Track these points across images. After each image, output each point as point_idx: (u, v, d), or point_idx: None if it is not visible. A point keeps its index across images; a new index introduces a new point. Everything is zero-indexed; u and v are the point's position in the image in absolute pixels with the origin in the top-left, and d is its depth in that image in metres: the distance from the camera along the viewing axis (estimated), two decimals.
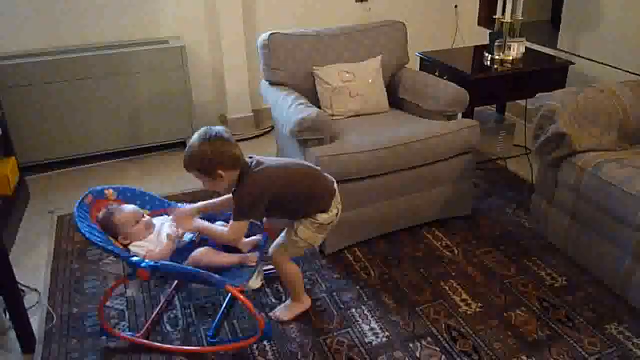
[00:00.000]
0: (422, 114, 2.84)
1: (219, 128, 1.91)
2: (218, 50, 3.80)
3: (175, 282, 2.38)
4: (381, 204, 2.59)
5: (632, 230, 2.14)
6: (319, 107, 2.81)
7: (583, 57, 3.40)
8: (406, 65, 3.14)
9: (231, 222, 1.93)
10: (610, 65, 3.21)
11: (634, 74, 3.03)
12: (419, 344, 2.07)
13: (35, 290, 2.40)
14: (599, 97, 2.48)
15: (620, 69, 3.13)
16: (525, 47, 3.38)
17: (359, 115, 2.86)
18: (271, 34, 2.87)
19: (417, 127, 2.64)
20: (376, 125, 2.72)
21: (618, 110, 2.46)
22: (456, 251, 2.61)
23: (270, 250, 2.11)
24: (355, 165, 2.42)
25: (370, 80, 2.88)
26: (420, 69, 3.46)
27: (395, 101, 3.00)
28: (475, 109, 3.14)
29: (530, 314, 2.20)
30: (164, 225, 2.09)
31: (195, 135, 1.90)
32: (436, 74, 3.19)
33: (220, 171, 1.85)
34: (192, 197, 3.09)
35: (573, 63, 3.24)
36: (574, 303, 2.26)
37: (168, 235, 2.03)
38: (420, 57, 3.45)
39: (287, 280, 2.18)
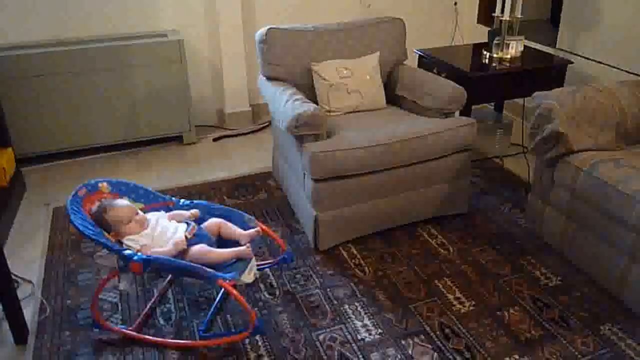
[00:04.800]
0: (420, 112, 2.83)
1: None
2: (217, 44, 3.79)
3: (169, 276, 2.38)
4: (377, 201, 2.59)
5: (627, 231, 2.14)
6: (317, 103, 2.80)
7: (582, 56, 3.39)
8: (405, 63, 3.13)
9: None
10: (609, 65, 3.21)
11: (633, 74, 3.02)
12: (411, 342, 2.06)
13: (30, 281, 2.40)
14: (597, 96, 2.47)
15: (619, 69, 3.13)
16: (524, 46, 3.37)
17: (356, 112, 2.86)
18: (269, 29, 2.86)
19: (415, 125, 2.63)
20: (373, 122, 2.71)
21: (616, 110, 2.45)
22: (451, 249, 2.60)
23: None
24: (352, 162, 2.41)
25: (368, 77, 2.87)
26: (419, 66, 3.46)
27: (393, 98, 3.00)
28: (473, 107, 3.14)
29: (524, 313, 2.20)
30: (177, 228, 2.08)
31: None
32: (435, 71, 3.19)
33: None
34: (187, 191, 3.10)
35: (572, 62, 3.23)
36: (568, 303, 2.25)
37: (181, 240, 2.01)
38: (419, 55, 3.44)
39: None
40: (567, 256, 2.49)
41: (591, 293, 2.31)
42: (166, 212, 2.22)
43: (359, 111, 2.86)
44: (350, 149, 2.41)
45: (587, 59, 3.37)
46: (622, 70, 3.11)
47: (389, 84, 3.03)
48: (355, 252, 2.59)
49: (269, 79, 2.88)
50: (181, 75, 3.50)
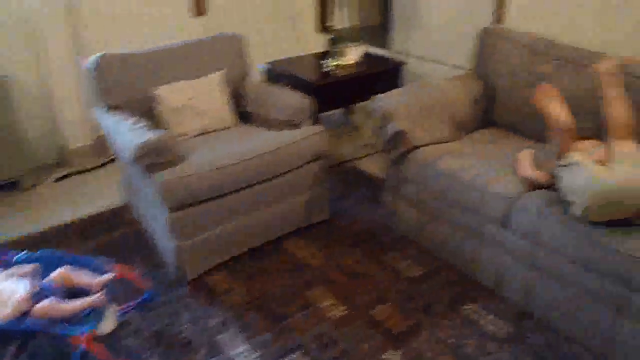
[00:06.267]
0: (270, 126, 2.83)
1: None
2: (48, 77, 3.48)
3: (13, 347, 2.11)
4: (238, 221, 2.53)
5: (471, 215, 2.31)
6: (161, 128, 2.67)
7: (415, 56, 3.63)
8: (250, 78, 3.12)
9: None
10: (437, 62, 3.46)
11: (458, 67, 3.27)
12: (290, 359, 2.04)
13: None
14: (430, 93, 2.65)
15: (446, 64, 3.38)
16: (364, 51, 3.53)
17: (205, 134, 2.78)
18: (101, 55, 2.68)
19: (266, 140, 2.62)
20: (224, 141, 2.66)
21: (447, 104, 2.64)
22: (319, 257, 2.63)
23: None
24: (205, 186, 2.33)
25: (213, 96, 2.81)
26: (266, 80, 3.46)
27: (243, 115, 2.96)
28: (323, 114, 3.21)
29: (394, 308, 2.28)
30: (17, 286, 1.84)
31: None
32: (281, 83, 3.21)
33: None
34: (30, 241, 2.79)
35: (405, 63, 3.44)
36: (431, 290, 2.38)
37: (22, 299, 1.79)
38: (265, 69, 3.45)
39: None
40: (424, 246, 2.64)
41: (450, 277, 2.45)
42: (1, 270, 1.97)
43: (208, 132, 2.78)
44: (202, 173, 2.33)
45: (420, 58, 3.61)
46: (449, 65, 3.36)
47: (237, 101, 2.99)
48: (224, 276, 2.51)
49: (107, 109, 2.70)
50: (6, 116, 3.16)
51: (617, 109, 2.04)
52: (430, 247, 2.61)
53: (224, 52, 2.99)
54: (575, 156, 2.01)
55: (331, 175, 3.35)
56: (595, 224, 1.91)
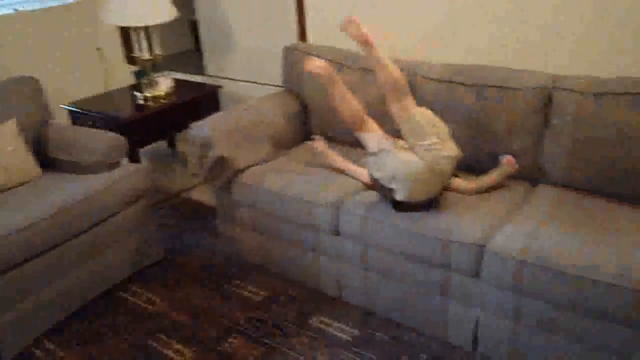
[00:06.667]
0: (83, 170, 2.60)
1: None
2: None
3: None
4: (62, 279, 2.29)
5: (304, 229, 2.34)
6: None
7: (230, 79, 3.61)
8: (53, 121, 2.84)
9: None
10: (253, 82, 3.49)
11: (274, 86, 3.32)
12: None
13: None
14: (245, 115, 2.65)
15: (262, 84, 3.42)
16: (177, 79, 3.42)
17: (5, 191, 2.46)
18: None
19: (78, 187, 2.40)
20: (28, 196, 2.38)
21: (265, 123, 2.66)
22: (158, 301, 2.47)
23: None
24: (11, 250, 2.06)
25: (10, 149, 2.51)
26: (73, 122, 3.19)
27: (49, 163, 2.69)
28: (144, 148, 3.04)
29: (244, 338, 2.22)
30: None
31: None
32: (89, 124, 2.98)
33: None
34: None
35: (221, 86, 3.41)
36: (279, 311, 2.36)
37: None
38: (69, 110, 3.17)
39: None
40: (267, 268, 2.62)
41: (295, 293, 2.46)
42: None
43: (8, 189, 2.47)
44: (5, 236, 2.06)
45: (235, 80, 3.61)
46: (263, 84, 3.40)
47: (41, 148, 2.71)
48: (52, 345, 2.24)
49: None
50: None
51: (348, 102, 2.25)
52: (272, 267, 2.59)
53: (16, 98, 2.69)
54: (379, 144, 2.13)
55: (164, 211, 3.21)
56: (404, 213, 2.04)
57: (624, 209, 2.01)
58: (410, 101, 2.09)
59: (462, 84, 2.31)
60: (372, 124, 2.28)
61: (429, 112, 2.10)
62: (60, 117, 3.10)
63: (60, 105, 3.18)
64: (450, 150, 2.04)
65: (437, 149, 1.99)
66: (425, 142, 1.99)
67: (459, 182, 2.20)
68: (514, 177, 2.26)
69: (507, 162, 2.20)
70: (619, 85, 2.03)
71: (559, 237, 1.82)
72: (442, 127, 2.07)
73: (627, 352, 1.72)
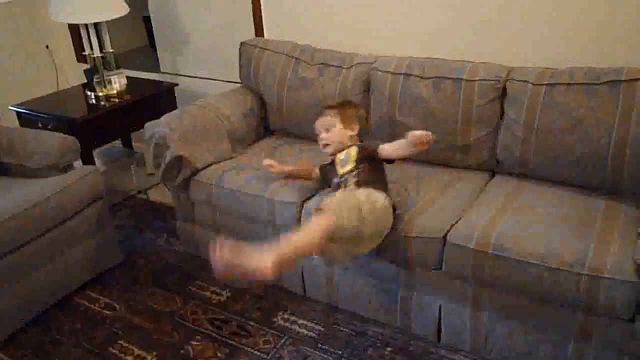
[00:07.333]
0: (34, 174, 2.50)
1: None
2: None
3: None
4: (13, 288, 2.20)
5: (266, 226, 2.31)
6: None
7: (185, 75, 3.53)
8: None
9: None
10: (209, 79, 3.42)
11: (231, 82, 3.26)
12: None
13: None
14: (203, 112, 2.59)
15: (219, 80, 3.36)
16: (131, 77, 3.33)
17: None
18: None
19: (30, 191, 2.31)
20: None
21: (222, 120, 2.61)
22: (118, 306, 2.41)
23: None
24: None
25: None
26: (22, 124, 3.07)
27: None
28: (99, 149, 2.95)
29: (207, 339, 2.18)
30: None
31: None
32: (39, 125, 2.87)
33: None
34: None
35: (177, 84, 3.33)
36: (241, 310, 2.33)
37: None
38: (17, 111, 3.05)
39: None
40: None
41: (258, 292, 2.43)
42: None
43: None
44: None
45: (191, 77, 3.53)
46: (220, 81, 3.34)
47: None
48: (7, 359, 2.15)
49: None
50: None
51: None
52: None
53: None
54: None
55: (122, 212, 3.13)
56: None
57: (580, 196, 2.05)
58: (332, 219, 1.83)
59: (420, 76, 2.32)
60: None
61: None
62: (8, 120, 2.98)
63: (9, 107, 3.06)
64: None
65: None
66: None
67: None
68: (473, 168, 2.30)
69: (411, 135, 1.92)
70: (571, 75, 2.06)
71: (517, 227, 1.85)
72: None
73: (585, 336, 1.76)
